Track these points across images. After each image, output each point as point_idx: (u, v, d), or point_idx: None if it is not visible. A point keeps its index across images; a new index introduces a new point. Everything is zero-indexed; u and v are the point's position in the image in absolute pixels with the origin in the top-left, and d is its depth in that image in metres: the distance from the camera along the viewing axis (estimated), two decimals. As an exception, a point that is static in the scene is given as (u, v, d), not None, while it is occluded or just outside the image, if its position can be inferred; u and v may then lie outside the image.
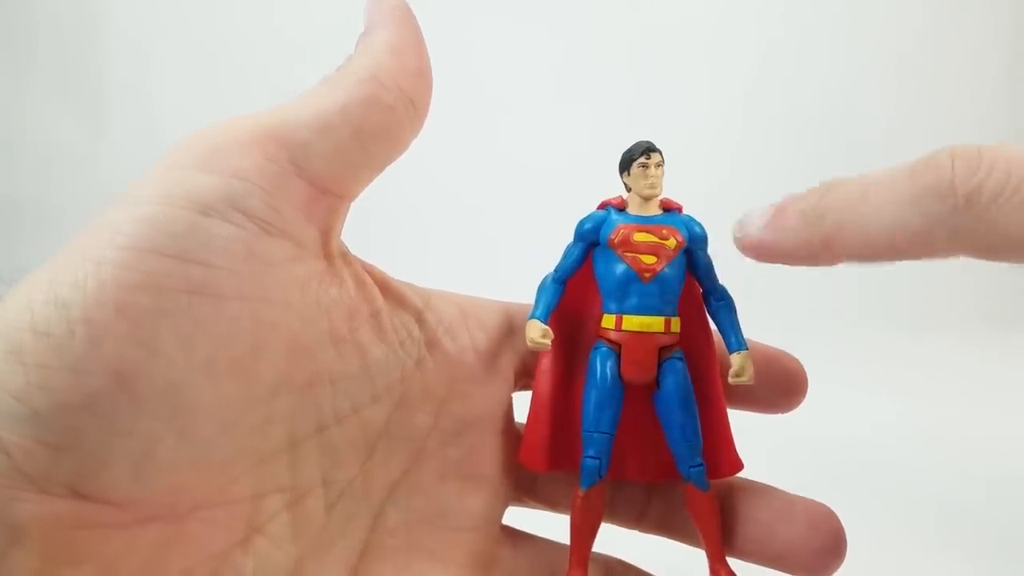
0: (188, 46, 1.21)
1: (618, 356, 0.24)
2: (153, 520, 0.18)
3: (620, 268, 0.24)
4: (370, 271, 0.24)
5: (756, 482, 0.26)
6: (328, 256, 0.22)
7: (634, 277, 0.24)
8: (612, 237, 0.24)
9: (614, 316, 0.24)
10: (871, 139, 1.20)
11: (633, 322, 0.24)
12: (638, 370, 0.24)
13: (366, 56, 0.21)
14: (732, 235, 0.22)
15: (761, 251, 0.21)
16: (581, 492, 0.24)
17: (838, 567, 0.23)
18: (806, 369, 0.26)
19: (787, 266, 0.21)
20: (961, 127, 1.23)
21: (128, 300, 0.17)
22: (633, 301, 0.24)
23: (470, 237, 1.07)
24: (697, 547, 0.25)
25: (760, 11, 1.20)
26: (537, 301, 0.24)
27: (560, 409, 0.25)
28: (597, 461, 0.24)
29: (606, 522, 0.25)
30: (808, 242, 0.20)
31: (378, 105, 0.21)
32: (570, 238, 0.25)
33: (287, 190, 0.20)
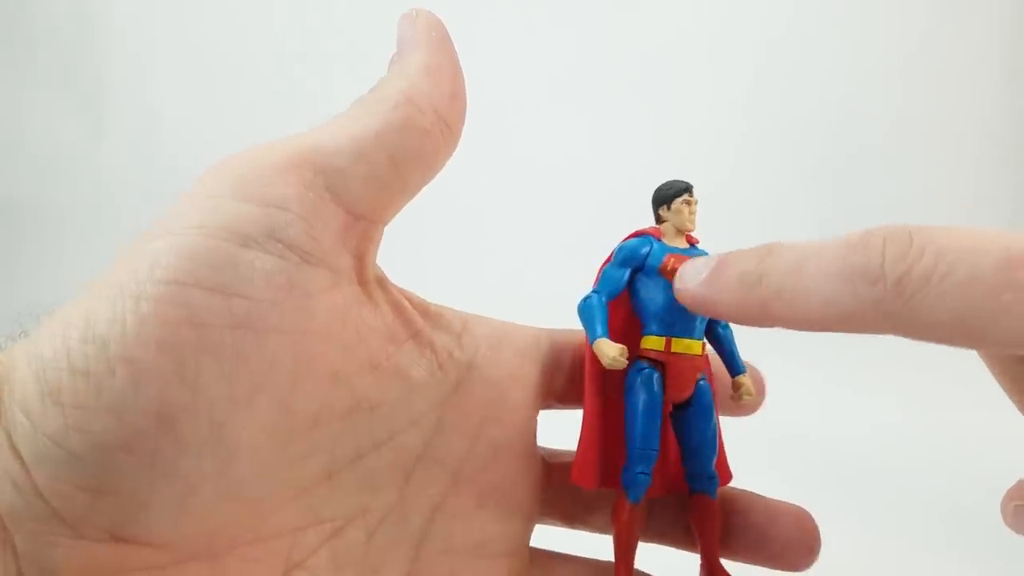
0: (187, 46, 1.21)
1: (662, 376, 0.25)
2: (192, 560, 0.18)
3: (672, 295, 0.24)
4: (408, 296, 0.23)
5: (743, 490, 0.27)
6: (363, 282, 0.21)
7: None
8: (664, 265, 0.25)
9: (663, 338, 0.25)
10: (873, 143, 1.20)
11: (681, 344, 0.25)
12: (681, 390, 0.25)
13: (401, 79, 0.21)
14: (674, 283, 0.23)
15: (698, 306, 0.22)
16: (629, 506, 0.25)
17: (815, 560, 0.25)
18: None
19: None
20: (962, 129, 1.23)
21: (170, 337, 0.17)
22: (680, 326, 0.25)
23: (478, 251, 1.07)
24: (685, 550, 0.27)
25: (762, 16, 1.20)
26: (593, 322, 0.24)
27: (605, 429, 0.26)
28: (648, 476, 0.24)
29: (606, 533, 0.26)
30: (744, 304, 0.20)
31: (414, 129, 0.20)
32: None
33: (324, 218, 0.19)
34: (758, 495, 0.27)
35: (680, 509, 0.26)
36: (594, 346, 0.24)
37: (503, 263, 1.08)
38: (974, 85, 1.24)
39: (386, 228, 0.22)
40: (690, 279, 0.22)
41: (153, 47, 1.21)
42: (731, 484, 0.27)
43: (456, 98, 0.22)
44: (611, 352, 0.23)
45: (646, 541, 0.27)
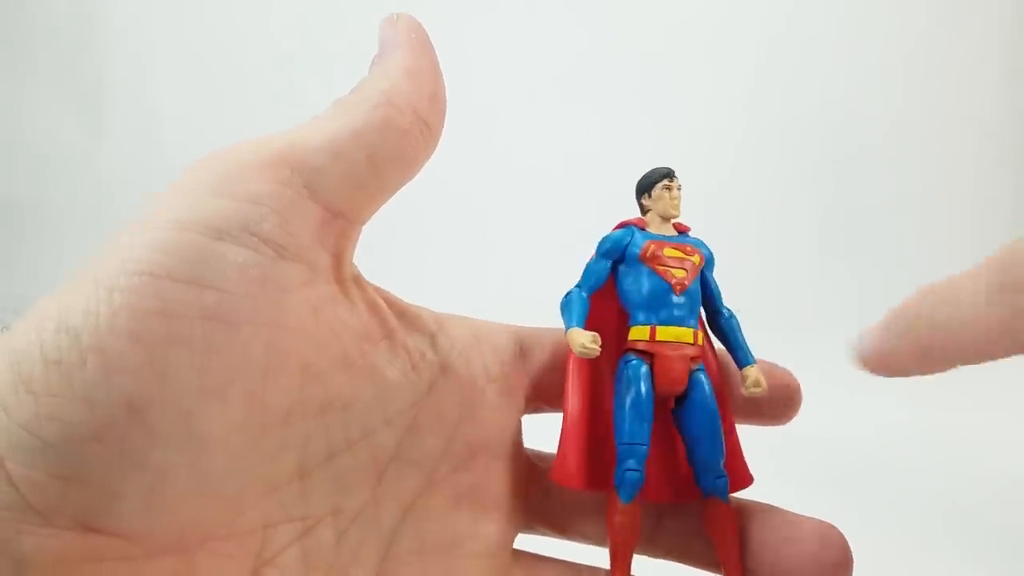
0: (186, 46, 1.21)
1: (651, 368, 0.24)
2: (163, 553, 0.18)
3: (654, 281, 0.24)
4: (384, 296, 0.23)
5: (761, 503, 0.25)
6: (340, 280, 0.21)
7: (668, 290, 0.24)
8: (644, 251, 0.24)
9: (647, 327, 0.24)
10: (873, 143, 1.20)
11: (667, 333, 0.24)
12: (672, 381, 0.24)
13: (381, 79, 0.21)
14: (851, 352, 0.22)
15: (877, 366, 0.21)
16: (620, 507, 0.23)
17: None
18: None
19: (906, 376, 0.21)
20: (962, 129, 1.23)
21: (141, 328, 0.17)
22: (665, 313, 0.24)
23: (476, 250, 1.07)
24: (705, 569, 0.25)
25: (763, 15, 1.20)
26: (570, 313, 0.24)
27: (591, 426, 0.25)
28: (638, 473, 0.23)
29: (603, 545, 0.25)
30: (913, 350, 0.20)
31: (393, 129, 0.20)
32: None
33: (301, 214, 0.19)
34: (777, 508, 0.25)
35: (697, 521, 0.25)
36: (567, 336, 0.23)
37: (501, 261, 1.08)
38: (974, 85, 1.24)
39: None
40: (866, 344, 0.21)
41: (153, 47, 1.21)
42: (740, 495, 0.25)
43: (436, 99, 0.22)
44: (580, 339, 0.23)
45: (659, 557, 0.26)
